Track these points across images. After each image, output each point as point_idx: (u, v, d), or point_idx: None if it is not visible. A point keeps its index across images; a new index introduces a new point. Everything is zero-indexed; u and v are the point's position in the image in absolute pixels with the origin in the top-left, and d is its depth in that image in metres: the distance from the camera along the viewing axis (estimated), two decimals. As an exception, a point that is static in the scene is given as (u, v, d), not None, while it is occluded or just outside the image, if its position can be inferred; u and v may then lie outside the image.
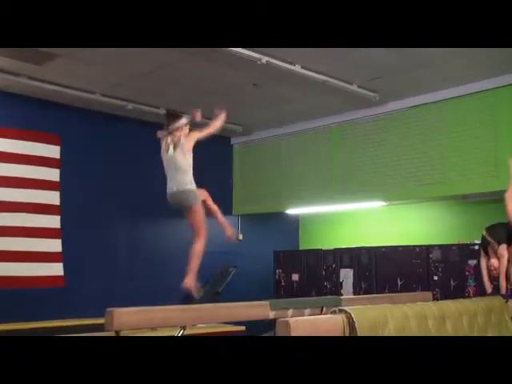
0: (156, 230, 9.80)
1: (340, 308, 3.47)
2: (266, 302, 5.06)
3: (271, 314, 5.00)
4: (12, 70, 7.47)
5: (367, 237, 9.83)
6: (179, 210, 5.89)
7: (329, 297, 5.96)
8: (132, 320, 4.23)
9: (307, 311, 5.29)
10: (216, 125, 5.96)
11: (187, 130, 5.85)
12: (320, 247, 9.79)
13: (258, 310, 5.05)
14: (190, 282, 5.69)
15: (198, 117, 5.95)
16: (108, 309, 4.14)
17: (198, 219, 5.82)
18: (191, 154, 5.82)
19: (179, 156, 5.74)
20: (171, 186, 5.83)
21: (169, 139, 5.81)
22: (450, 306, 4.45)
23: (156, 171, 9.66)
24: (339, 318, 3.35)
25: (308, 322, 3.29)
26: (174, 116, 5.92)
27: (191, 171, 5.83)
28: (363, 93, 8.21)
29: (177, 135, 5.77)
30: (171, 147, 5.79)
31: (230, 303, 5.18)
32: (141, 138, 9.51)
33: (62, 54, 6.79)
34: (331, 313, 3.47)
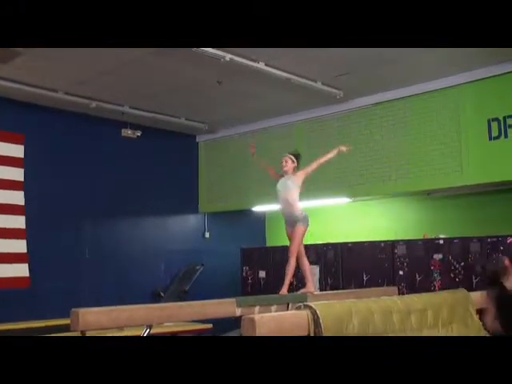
0: (122, 230, 9.72)
1: (305, 304, 3.49)
2: (233, 300, 5.07)
3: (238, 311, 5.01)
4: (-26, 69, 7.36)
5: (333, 233, 9.86)
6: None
7: (295, 293, 5.99)
8: (97, 320, 4.22)
9: (274, 308, 5.31)
10: (329, 156, 6.68)
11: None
12: (287, 244, 9.78)
13: (225, 307, 5.06)
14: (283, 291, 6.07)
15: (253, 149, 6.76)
16: (73, 309, 4.12)
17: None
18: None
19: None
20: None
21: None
22: (415, 299, 4.50)
23: (121, 170, 9.69)
24: (304, 314, 3.37)
25: (273, 318, 3.30)
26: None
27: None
28: (327, 90, 8.24)
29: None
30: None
31: (197, 301, 5.19)
32: (105, 136, 9.46)
33: (25, 52, 6.69)
34: (296, 309, 3.49)
